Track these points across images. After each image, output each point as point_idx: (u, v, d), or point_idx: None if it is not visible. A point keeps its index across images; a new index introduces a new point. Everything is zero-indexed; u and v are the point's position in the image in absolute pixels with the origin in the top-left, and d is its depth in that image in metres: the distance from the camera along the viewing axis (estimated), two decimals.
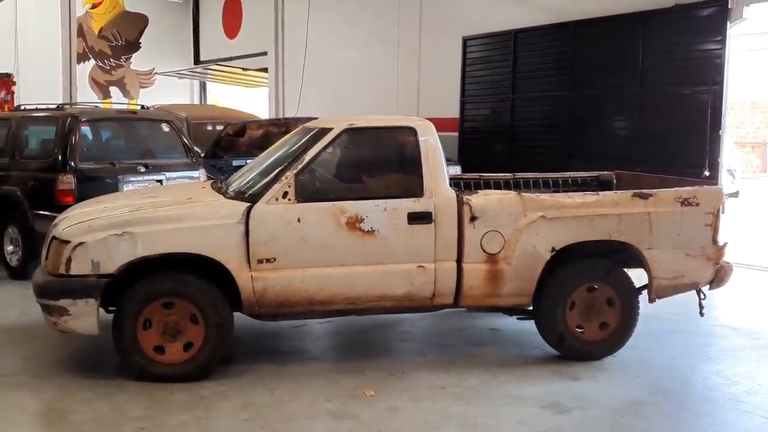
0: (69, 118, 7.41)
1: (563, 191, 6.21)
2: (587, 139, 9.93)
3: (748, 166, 22.73)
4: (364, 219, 4.70)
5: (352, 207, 4.71)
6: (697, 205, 5.10)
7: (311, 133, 5.09)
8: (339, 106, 13.33)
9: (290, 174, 4.71)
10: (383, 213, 4.73)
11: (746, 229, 10.66)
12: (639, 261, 5.10)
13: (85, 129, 7.70)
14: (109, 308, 4.66)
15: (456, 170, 9.23)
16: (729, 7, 8.43)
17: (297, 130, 5.57)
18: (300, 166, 4.74)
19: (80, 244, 4.44)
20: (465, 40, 11.73)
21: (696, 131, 8.61)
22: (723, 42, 8.46)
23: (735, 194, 13.09)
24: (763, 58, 18.01)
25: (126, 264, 4.45)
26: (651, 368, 4.99)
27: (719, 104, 8.51)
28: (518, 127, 11.00)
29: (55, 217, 5.28)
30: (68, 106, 8.99)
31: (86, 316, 4.44)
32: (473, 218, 4.84)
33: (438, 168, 4.89)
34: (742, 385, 4.70)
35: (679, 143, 8.82)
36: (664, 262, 5.06)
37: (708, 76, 8.56)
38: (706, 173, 8.43)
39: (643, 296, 5.18)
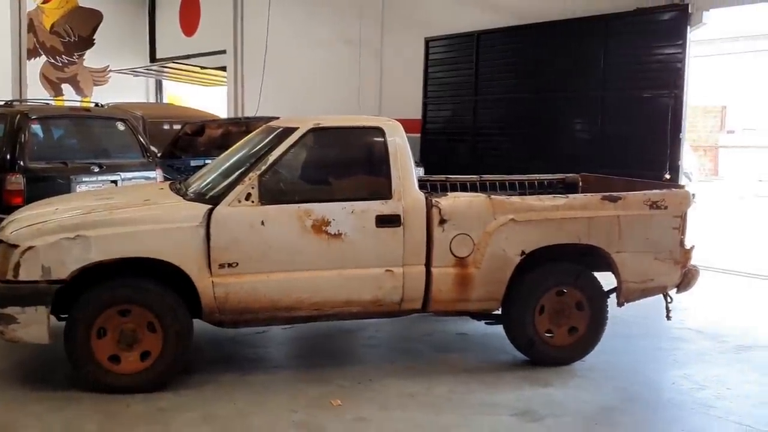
0: (18, 116, 7.14)
1: (529, 193, 6.16)
2: (549, 141, 9.92)
3: (701, 169, 23.28)
4: (330, 222, 4.55)
5: (318, 209, 4.55)
6: (666, 208, 5.09)
7: (275, 133, 4.92)
8: (300, 106, 13.14)
9: (253, 175, 4.52)
10: (350, 216, 4.59)
11: (703, 231, 10.77)
12: (608, 264, 5.06)
13: (36, 127, 7.41)
14: (61, 316, 4.43)
15: (419, 172, 9.12)
16: (689, 11, 8.50)
17: (260, 129, 5.39)
18: (264, 167, 4.56)
19: (30, 248, 4.19)
20: (427, 41, 11.65)
21: (657, 134, 8.66)
22: (683, 46, 8.52)
23: (692, 196, 13.28)
24: (714, 63, 18.43)
25: (79, 269, 4.22)
26: (620, 373, 4.95)
27: (679, 108, 8.58)
28: (481, 128, 10.97)
29: (3, 219, 5.00)
30: (18, 103, 8.65)
31: (36, 325, 4.20)
32: (442, 221, 4.73)
33: (407, 170, 4.76)
34: (711, 390, 4.68)
35: (640, 146, 8.86)
36: (632, 266, 5.02)
37: (669, 80, 8.62)
38: (667, 176, 8.49)
39: (611, 300, 5.13)
